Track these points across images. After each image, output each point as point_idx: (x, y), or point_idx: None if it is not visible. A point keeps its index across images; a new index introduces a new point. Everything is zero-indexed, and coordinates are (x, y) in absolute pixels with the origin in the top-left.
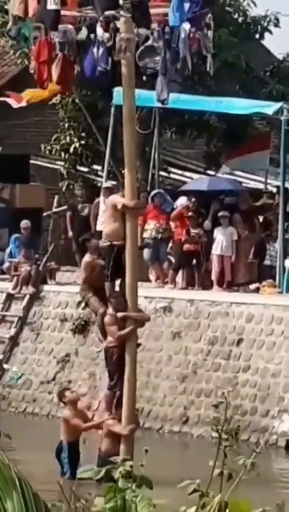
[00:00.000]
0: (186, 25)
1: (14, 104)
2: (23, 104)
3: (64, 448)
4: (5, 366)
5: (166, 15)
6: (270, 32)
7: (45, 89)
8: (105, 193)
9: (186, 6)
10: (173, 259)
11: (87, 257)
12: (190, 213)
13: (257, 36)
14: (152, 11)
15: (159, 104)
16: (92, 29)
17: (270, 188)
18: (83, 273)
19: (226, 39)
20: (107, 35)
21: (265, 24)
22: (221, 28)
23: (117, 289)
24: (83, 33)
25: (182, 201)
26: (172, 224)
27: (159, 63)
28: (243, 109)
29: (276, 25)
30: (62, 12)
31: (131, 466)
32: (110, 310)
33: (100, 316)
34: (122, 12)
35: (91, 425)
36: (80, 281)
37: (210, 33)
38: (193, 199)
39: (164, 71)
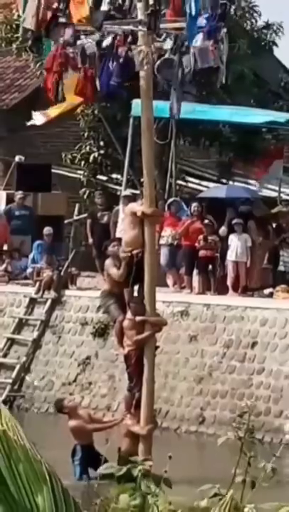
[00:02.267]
0: (201, 38)
1: (40, 120)
2: (47, 119)
3: (77, 451)
4: (27, 378)
5: (181, 29)
6: (276, 45)
7: (55, 100)
8: (124, 201)
9: (201, 19)
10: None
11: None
12: (206, 221)
13: (267, 48)
14: (167, 25)
15: (172, 117)
16: (100, 43)
17: (283, 196)
18: (107, 277)
19: (239, 52)
20: (123, 49)
21: (271, 34)
22: (234, 40)
23: (135, 294)
24: (92, 46)
25: (194, 207)
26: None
27: (174, 77)
28: (257, 117)
29: (277, 32)
30: (79, 27)
31: (150, 466)
32: (129, 315)
33: (118, 324)
34: (140, 26)
35: (101, 426)
36: (100, 286)
37: (223, 46)
38: (196, 205)
39: (176, 85)
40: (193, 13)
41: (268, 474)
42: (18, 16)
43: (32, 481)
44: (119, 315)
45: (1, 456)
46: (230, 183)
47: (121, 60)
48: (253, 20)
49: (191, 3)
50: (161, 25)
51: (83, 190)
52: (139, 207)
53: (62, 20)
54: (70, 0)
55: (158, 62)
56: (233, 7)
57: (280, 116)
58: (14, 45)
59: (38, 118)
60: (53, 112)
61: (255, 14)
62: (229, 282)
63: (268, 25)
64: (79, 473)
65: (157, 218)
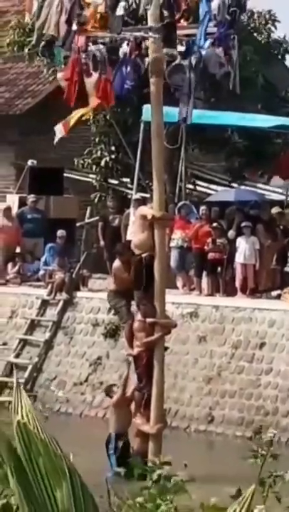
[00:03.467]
0: (210, 45)
1: (60, 133)
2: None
3: (111, 439)
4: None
5: (191, 35)
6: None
7: (73, 105)
8: (135, 204)
9: (212, 26)
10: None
11: (116, 263)
12: (215, 224)
13: (279, 57)
14: (179, 31)
15: (181, 122)
16: (113, 48)
17: None
18: (115, 276)
19: (249, 58)
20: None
21: (285, 46)
22: (244, 47)
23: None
24: (102, 52)
25: (203, 211)
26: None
27: (184, 83)
28: (265, 122)
29: None
30: (95, 34)
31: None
32: (139, 316)
33: (128, 326)
34: (150, 33)
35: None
36: (110, 287)
37: (234, 53)
38: (205, 208)
39: (187, 91)
40: (203, 18)
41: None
42: (33, 23)
43: (51, 475)
44: (129, 317)
45: (20, 449)
46: (242, 187)
47: (133, 64)
48: (269, 32)
49: (202, 9)
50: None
51: (95, 193)
52: (149, 210)
53: (75, 27)
54: (84, 7)
55: (169, 68)
56: (246, 17)
57: (288, 120)
58: (26, 50)
59: (59, 130)
60: (73, 119)
61: (272, 27)
62: (238, 284)
63: (284, 39)
64: (112, 464)
65: (167, 222)
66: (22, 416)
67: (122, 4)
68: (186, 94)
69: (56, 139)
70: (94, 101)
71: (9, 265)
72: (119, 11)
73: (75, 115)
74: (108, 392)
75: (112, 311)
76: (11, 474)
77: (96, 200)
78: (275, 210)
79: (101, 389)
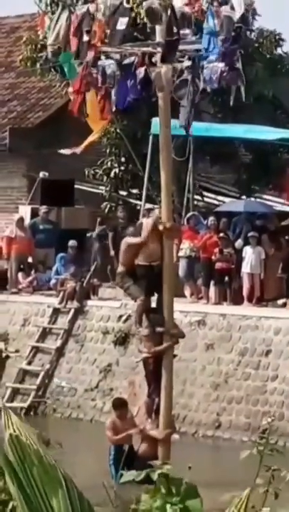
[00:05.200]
0: (215, 60)
1: (68, 151)
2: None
3: (110, 450)
4: (56, 380)
5: (196, 50)
6: None
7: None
8: (145, 214)
9: (217, 41)
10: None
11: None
12: (221, 234)
13: (283, 71)
14: (186, 46)
15: (182, 130)
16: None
17: None
18: (123, 255)
19: (256, 73)
20: (142, 69)
21: None
22: (251, 63)
23: (153, 305)
24: (112, 66)
25: (211, 221)
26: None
27: (184, 94)
28: (271, 134)
29: None
30: (104, 48)
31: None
32: (147, 325)
33: (141, 302)
34: (159, 48)
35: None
36: (120, 297)
37: (240, 68)
38: (213, 219)
39: (187, 102)
40: (209, 33)
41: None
42: (44, 37)
43: (47, 485)
44: (140, 294)
45: (15, 461)
46: (252, 199)
47: (139, 78)
48: (275, 48)
49: (207, 24)
50: (180, 47)
51: (105, 204)
52: (155, 221)
53: (86, 38)
54: (94, 21)
55: (176, 82)
56: (253, 33)
57: None
58: (38, 65)
59: (67, 151)
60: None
61: (277, 42)
62: (245, 293)
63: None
64: (113, 473)
65: (175, 232)
66: (13, 429)
67: (123, 20)
68: (184, 106)
69: (67, 152)
70: (93, 115)
71: (22, 275)
72: (120, 26)
73: (90, 137)
74: (117, 405)
75: (122, 319)
76: (11, 482)
77: (106, 210)
78: (286, 222)
79: (111, 395)
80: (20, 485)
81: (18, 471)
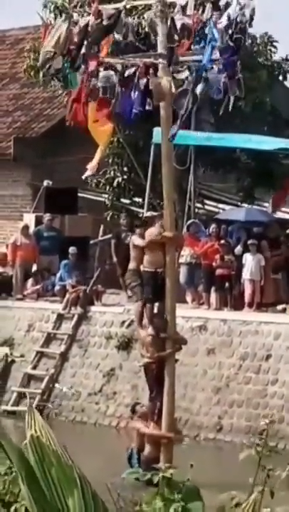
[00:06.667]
0: (214, 71)
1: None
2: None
3: (133, 455)
4: (57, 386)
5: (196, 61)
6: None
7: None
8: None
9: (215, 52)
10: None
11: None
12: (222, 241)
13: (280, 78)
14: (186, 57)
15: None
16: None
17: None
18: (133, 251)
19: (254, 82)
20: (144, 80)
21: (285, 67)
22: (249, 72)
23: (155, 310)
24: (113, 77)
25: (212, 228)
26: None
27: (184, 104)
28: (271, 144)
29: None
30: (106, 59)
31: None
32: (151, 330)
33: (140, 305)
34: (160, 59)
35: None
36: (124, 303)
37: (240, 78)
38: (214, 226)
39: (184, 112)
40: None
41: (283, 481)
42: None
43: (63, 484)
44: (141, 297)
45: (34, 460)
46: (254, 206)
47: (141, 89)
48: (271, 54)
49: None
50: (181, 58)
51: (107, 212)
52: (160, 230)
53: (83, 50)
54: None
55: (176, 92)
56: (249, 41)
57: None
58: (41, 74)
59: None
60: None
61: (273, 48)
62: (246, 299)
63: (286, 59)
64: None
65: (177, 241)
66: (35, 430)
67: (118, 37)
68: (181, 116)
69: (86, 175)
70: (92, 125)
71: (29, 281)
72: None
73: (99, 153)
74: (134, 410)
75: (125, 325)
76: (21, 481)
77: (109, 218)
78: None
79: (114, 399)
80: (33, 483)
81: (37, 471)
